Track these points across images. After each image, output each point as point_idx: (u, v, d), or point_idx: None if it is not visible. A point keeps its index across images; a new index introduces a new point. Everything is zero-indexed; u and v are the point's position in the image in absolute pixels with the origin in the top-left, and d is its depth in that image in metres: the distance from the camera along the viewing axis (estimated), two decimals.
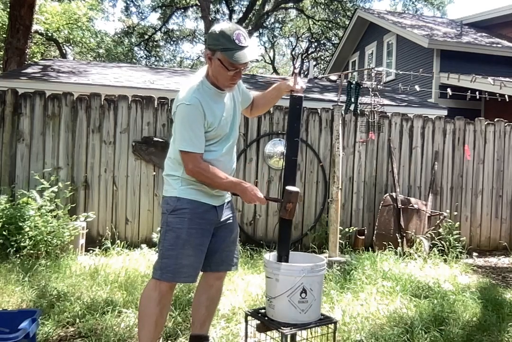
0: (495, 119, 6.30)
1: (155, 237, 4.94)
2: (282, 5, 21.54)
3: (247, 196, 2.14)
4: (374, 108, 5.32)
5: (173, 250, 2.13)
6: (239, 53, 1.96)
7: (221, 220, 2.28)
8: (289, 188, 2.14)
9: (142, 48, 24.92)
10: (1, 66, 11.85)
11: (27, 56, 10.82)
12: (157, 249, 4.76)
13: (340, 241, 4.92)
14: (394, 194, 5.60)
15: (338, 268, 4.29)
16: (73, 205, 4.99)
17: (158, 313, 2.14)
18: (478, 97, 6.46)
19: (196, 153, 2.07)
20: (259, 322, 2.32)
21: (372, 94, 5.24)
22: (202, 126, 2.06)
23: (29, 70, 8.62)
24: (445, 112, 8.49)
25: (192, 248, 2.15)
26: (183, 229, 2.13)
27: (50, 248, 4.36)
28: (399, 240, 5.35)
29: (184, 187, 2.16)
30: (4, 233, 4.27)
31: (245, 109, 2.44)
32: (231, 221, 2.36)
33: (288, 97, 2.25)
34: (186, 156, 2.07)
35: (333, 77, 5.84)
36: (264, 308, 2.35)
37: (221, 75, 2.06)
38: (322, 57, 25.77)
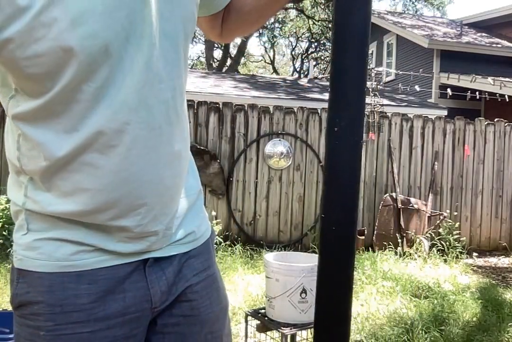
0: (495, 119, 6.29)
1: None
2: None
3: None
4: (374, 108, 5.33)
5: None
6: None
7: (164, 301, 0.80)
8: None
9: None
10: None
11: None
12: None
13: None
14: (394, 194, 5.60)
15: None
16: None
17: None
18: (478, 97, 6.48)
19: None
20: (259, 322, 2.32)
21: (372, 94, 5.24)
22: None
23: None
24: (445, 112, 8.49)
25: None
26: None
27: None
28: (399, 240, 5.35)
29: (33, 239, 0.78)
30: (4, 233, 4.27)
31: (212, 21, 0.97)
32: (202, 301, 0.84)
33: None
34: None
35: None
36: (264, 308, 2.35)
37: None
38: (322, 57, 25.76)
